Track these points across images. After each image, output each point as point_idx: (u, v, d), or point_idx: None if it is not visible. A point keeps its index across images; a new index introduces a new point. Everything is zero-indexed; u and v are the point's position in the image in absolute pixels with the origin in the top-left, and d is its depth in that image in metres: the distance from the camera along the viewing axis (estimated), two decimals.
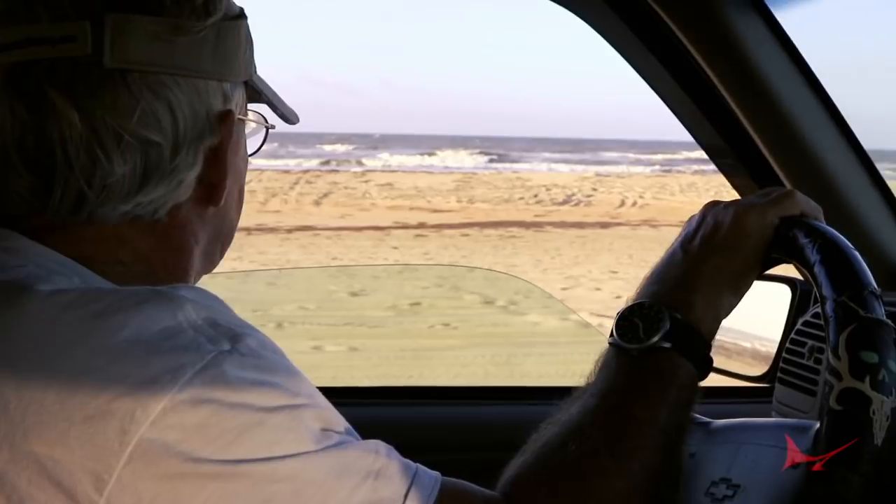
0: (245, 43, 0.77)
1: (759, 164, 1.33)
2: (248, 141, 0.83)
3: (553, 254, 12.73)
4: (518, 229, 15.47)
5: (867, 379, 0.71)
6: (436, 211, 18.22)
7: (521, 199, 21.02)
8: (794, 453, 0.77)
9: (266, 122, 0.85)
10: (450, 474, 0.72)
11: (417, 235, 14.29)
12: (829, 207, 0.89)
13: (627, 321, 0.81)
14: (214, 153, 0.74)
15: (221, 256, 0.83)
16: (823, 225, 0.83)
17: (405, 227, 15.20)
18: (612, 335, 0.81)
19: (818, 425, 0.75)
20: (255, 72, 0.81)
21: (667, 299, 0.81)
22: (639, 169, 35.20)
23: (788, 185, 1.31)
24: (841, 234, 0.81)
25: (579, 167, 34.71)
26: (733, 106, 1.28)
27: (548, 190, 22.94)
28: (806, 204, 0.86)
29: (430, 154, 41.58)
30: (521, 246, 13.57)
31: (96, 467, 0.59)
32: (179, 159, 0.72)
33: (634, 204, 20.53)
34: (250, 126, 0.83)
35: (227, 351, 0.64)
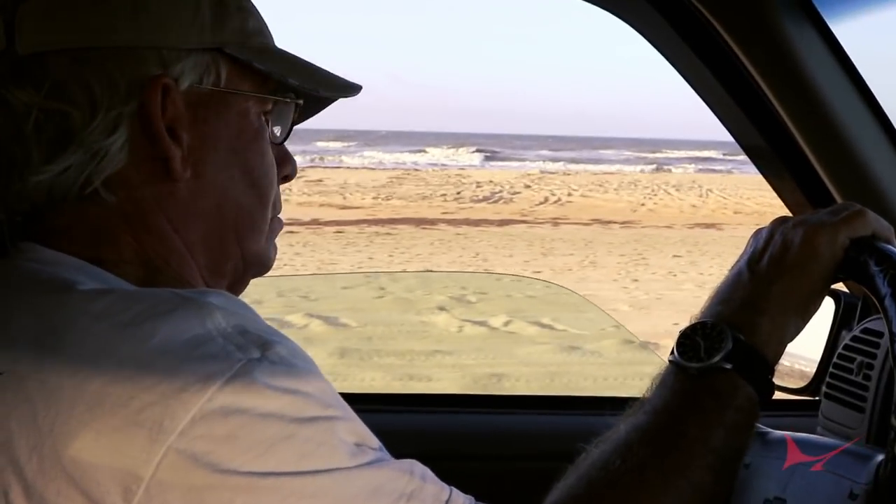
0: (201, 7, 0.76)
1: (811, 177, 1.30)
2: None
3: (403, 250, 12.88)
4: (407, 227, 15.65)
5: None
6: (343, 208, 18.54)
7: (444, 196, 21.39)
8: (852, 483, 0.76)
9: (273, 94, 0.81)
10: (485, 484, 0.71)
11: (289, 232, 14.45)
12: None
13: (689, 339, 0.79)
14: (145, 122, 0.73)
15: (244, 250, 0.80)
16: None
17: (297, 223, 15.36)
18: (672, 353, 0.80)
19: (880, 458, 0.73)
20: (249, 39, 0.78)
21: (731, 319, 0.79)
22: (628, 168, 36.11)
23: (839, 200, 1.29)
24: None
25: (558, 164, 36.49)
26: (784, 117, 1.25)
27: (479, 187, 23.50)
28: (877, 223, 0.83)
29: (421, 151, 42.73)
30: (380, 243, 13.75)
31: (125, 478, 0.59)
32: (94, 128, 0.71)
33: (557, 201, 20.83)
34: (248, 103, 0.79)
35: (256, 359, 0.63)
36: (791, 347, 1.32)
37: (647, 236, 15.24)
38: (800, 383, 1.37)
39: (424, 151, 43.22)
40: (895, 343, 0.74)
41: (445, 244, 13.78)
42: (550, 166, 35.94)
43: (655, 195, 22.87)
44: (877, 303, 0.77)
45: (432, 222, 16.50)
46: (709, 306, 0.83)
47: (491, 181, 25.33)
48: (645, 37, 1.31)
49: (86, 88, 0.71)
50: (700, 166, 38.79)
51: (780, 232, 0.83)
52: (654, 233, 15.84)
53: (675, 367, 0.79)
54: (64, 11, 0.73)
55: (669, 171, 35.37)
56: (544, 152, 46.50)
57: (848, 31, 1.22)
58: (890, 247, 0.81)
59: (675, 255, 12.90)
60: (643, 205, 20.49)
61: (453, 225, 16.25)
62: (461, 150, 45.52)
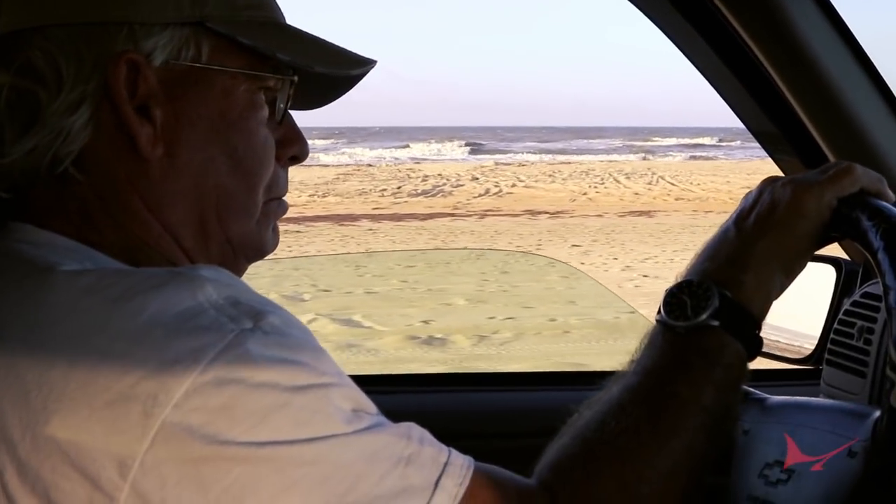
0: None
1: (807, 142, 1.30)
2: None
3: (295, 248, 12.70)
4: (326, 224, 15.55)
5: None
6: None
7: (383, 191, 21.48)
8: (851, 440, 0.76)
9: (264, 71, 0.77)
10: (485, 461, 0.70)
11: None
12: None
13: (675, 298, 0.79)
14: (111, 100, 0.71)
15: (227, 232, 0.78)
16: (888, 206, 0.80)
17: None
18: (659, 312, 0.80)
19: (877, 414, 0.74)
20: (239, 12, 0.76)
21: (717, 277, 0.79)
22: (616, 156, 37.65)
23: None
24: None
25: (539, 156, 37.90)
26: (779, 83, 1.25)
27: (424, 181, 23.64)
28: (866, 177, 0.83)
29: (403, 147, 43.61)
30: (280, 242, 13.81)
31: (120, 452, 0.59)
32: (57, 106, 0.70)
33: (498, 193, 20.91)
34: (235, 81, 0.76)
35: (249, 329, 0.63)
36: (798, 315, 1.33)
37: (567, 226, 15.09)
38: (806, 353, 1.38)
39: (408, 147, 44.03)
40: (889, 295, 0.74)
41: (344, 240, 13.69)
42: (532, 157, 37.26)
43: (603, 183, 22.98)
44: (870, 257, 0.77)
45: (354, 219, 16.40)
46: (695, 264, 0.83)
47: (440, 174, 25.53)
48: (644, 13, 1.30)
49: (54, 67, 0.70)
50: (691, 153, 40.14)
51: (769, 191, 0.83)
52: (577, 222, 15.71)
53: (663, 327, 0.79)
54: None
55: (651, 158, 36.80)
56: (531, 143, 47.88)
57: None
58: (880, 201, 0.81)
59: (573, 245, 12.73)
60: (585, 194, 20.47)
61: (375, 220, 16.14)
62: (449, 143, 46.42)
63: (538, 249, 12.47)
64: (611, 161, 34.57)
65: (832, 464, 0.76)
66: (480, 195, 20.61)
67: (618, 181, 23.83)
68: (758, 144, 1.42)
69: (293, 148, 0.83)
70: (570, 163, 32.74)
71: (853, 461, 0.74)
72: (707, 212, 16.79)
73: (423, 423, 0.69)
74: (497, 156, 38.91)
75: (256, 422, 0.60)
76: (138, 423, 0.59)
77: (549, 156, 38.31)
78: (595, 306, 6.84)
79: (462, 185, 22.56)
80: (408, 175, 25.73)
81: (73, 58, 0.70)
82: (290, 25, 0.81)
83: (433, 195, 20.84)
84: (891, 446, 0.69)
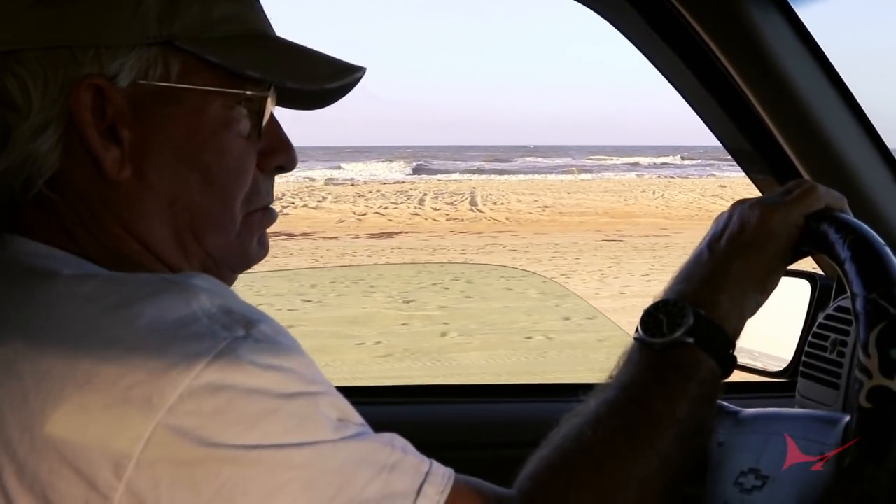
0: (146, 1, 0.73)
1: (782, 163, 1.33)
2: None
3: None
4: None
5: None
6: None
7: None
8: (823, 445, 0.78)
9: (236, 88, 0.76)
10: (465, 472, 0.72)
11: None
12: (852, 203, 0.89)
13: (652, 317, 0.82)
14: (76, 123, 0.72)
15: (206, 247, 0.78)
16: (853, 219, 0.83)
17: None
18: (637, 331, 0.82)
19: (847, 419, 0.76)
20: (211, 28, 0.75)
21: (692, 297, 0.82)
22: (545, 176, 39.88)
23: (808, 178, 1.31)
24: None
25: (472, 175, 39.96)
26: (754, 102, 1.28)
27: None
28: (829, 196, 0.86)
29: (336, 168, 44.70)
30: None
31: (116, 453, 0.60)
32: (23, 131, 0.71)
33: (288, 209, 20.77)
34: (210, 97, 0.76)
35: (241, 337, 0.64)
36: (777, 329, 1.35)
37: (319, 247, 14.49)
38: (782, 366, 1.40)
39: (340, 167, 45.09)
40: (857, 301, 0.76)
41: None
42: (459, 176, 39.33)
43: (423, 203, 22.89)
44: (838, 268, 0.80)
45: None
46: (671, 285, 0.86)
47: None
48: (621, 31, 1.33)
49: (24, 91, 0.71)
50: (633, 172, 42.17)
51: (739, 213, 0.87)
52: (327, 243, 15.04)
53: (640, 343, 0.82)
54: (7, 13, 0.72)
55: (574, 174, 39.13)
56: (475, 163, 49.69)
57: (815, 14, 1.25)
58: (845, 215, 0.84)
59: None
60: (364, 214, 20.03)
61: None
62: (393, 163, 48.45)
63: None
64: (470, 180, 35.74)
65: (804, 469, 0.78)
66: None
67: (435, 200, 24.03)
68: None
69: (279, 157, 0.83)
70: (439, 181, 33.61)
71: (825, 465, 0.76)
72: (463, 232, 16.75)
73: (404, 434, 0.71)
74: (453, 174, 40.70)
75: (248, 426, 0.62)
76: (134, 424, 0.60)
77: (503, 176, 40.00)
78: None
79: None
80: None
81: (40, 82, 0.71)
82: (272, 37, 0.81)
83: None
84: (860, 444, 0.71)
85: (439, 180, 35.98)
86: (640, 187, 30.00)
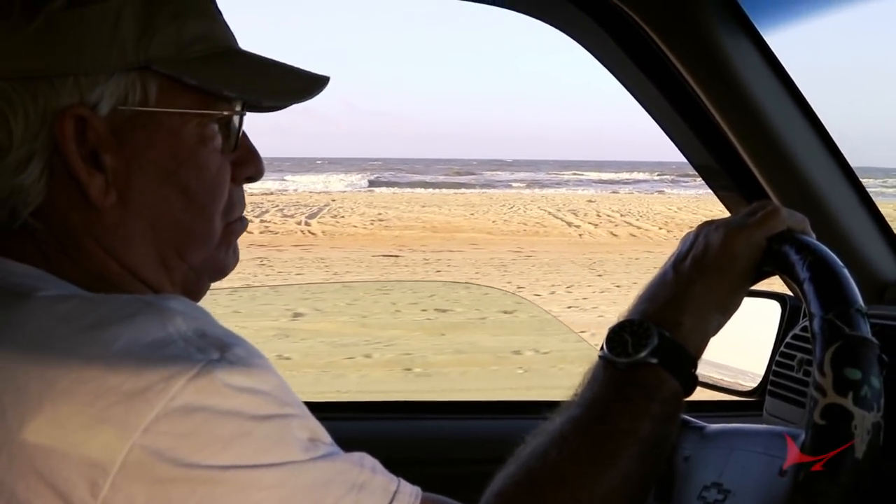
0: (121, 25, 0.73)
1: (748, 181, 1.35)
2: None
3: None
4: None
5: (850, 395, 0.73)
6: None
7: None
8: (783, 461, 0.79)
9: (211, 108, 0.77)
10: (435, 488, 0.73)
11: None
12: (817, 223, 0.90)
13: (617, 336, 0.83)
14: (61, 154, 0.72)
15: (189, 262, 0.79)
16: (813, 241, 0.85)
17: None
18: (602, 349, 0.84)
19: (804, 435, 0.77)
20: (186, 49, 0.75)
21: (656, 318, 0.83)
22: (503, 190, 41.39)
23: (776, 201, 1.33)
24: (829, 248, 0.83)
25: (426, 189, 41.04)
26: (722, 125, 1.30)
27: None
28: (791, 218, 0.88)
29: (282, 180, 45.70)
30: None
31: (91, 473, 0.61)
32: (7, 164, 0.71)
33: None
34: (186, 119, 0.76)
35: (216, 360, 0.65)
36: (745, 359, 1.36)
37: None
38: (752, 386, 1.41)
39: (283, 180, 45.93)
40: (814, 321, 0.78)
41: None
42: (398, 190, 40.73)
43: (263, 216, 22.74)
44: (798, 289, 0.82)
45: None
46: (636, 305, 0.87)
47: None
48: (591, 53, 1.35)
49: (4, 124, 0.71)
50: (564, 188, 43.99)
51: (704, 234, 0.88)
52: None
53: (605, 362, 0.83)
54: None
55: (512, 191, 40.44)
56: (438, 177, 51.13)
57: (781, 39, 1.28)
58: (806, 237, 0.86)
59: None
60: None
61: None
62: (351, 176, 49.96)
63: None
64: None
65: (764, 483, 0.79)
66: None
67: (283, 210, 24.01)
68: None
69: (249, 168, 0.84)
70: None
71: (783, 479, 0.77)
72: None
73: (371, 450, 0.72)
74: (406, 188, 41.78)
75: (221, 447, 0.63)
76: (110, 444, 0.61)
77: (453, 189, 41.27)
78: None
79: None
80: None
81: (20, 114, 0.71)
82: (240, 52, 0.81)
83: None
84: (814, 459, 0.72)
85: (370, 192, 37.16)
86: (516, 203, 30.03)
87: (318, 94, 0.83)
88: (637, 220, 23.19)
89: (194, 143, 0.77)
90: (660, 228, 20.74)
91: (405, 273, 13.14)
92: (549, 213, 25.48)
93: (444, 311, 7.34)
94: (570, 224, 21.90)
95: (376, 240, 17.85)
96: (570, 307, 9.88)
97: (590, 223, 22.09)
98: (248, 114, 0.82)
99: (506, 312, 7.20)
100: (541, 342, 6.28)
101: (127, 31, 0.73)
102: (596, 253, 15.65)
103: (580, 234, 19.59)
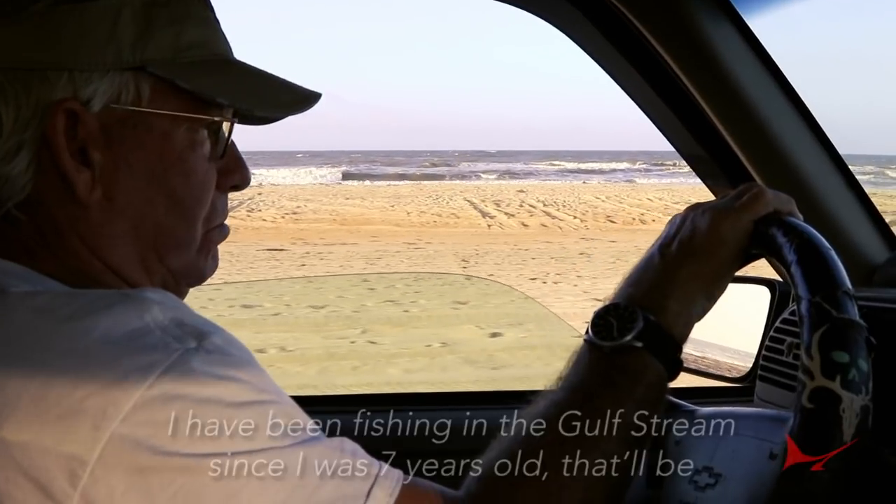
0: (119, 25, 0.73)
1: (735, 167, 1.35)
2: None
3: None
4: None
5: (838, 378, 0.72)
6: None
7: None
8: (773, 444, 0.79)
9: (203, 113, 0.78)
10: (430, 479, 0.73)
11: None
12: (804, 207, 0.90)
13: (602, 320, 0.82)
14: (49, 147, 0.72)
15: (168, 266, 0.80)
16: (801, 223, 0.84)
17: None
18: (587, 333, 0.83)
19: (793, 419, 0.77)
20: (182, 54, 0.76)
21: (642, 301, 0.83)
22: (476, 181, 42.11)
23: (761, 182, 1.33)
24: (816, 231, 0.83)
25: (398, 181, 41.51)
26: (707, 111, 1.30)
27: None
28: (777, 200, 0.87)
29: (253, 174, 46.94)
30: None
31: (70, 463, 0.61)
32: None
33: None
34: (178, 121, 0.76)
35: (193, 348, 0.65)
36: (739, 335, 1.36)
37: None
38: (743, 372, 1.42)
39: (253, 174, 46.79)
40: (801, 304, 0.77)
41: None
42: (378, 182, 41.29)
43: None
44: (785, 271, 0.81)
45: None
46: (622, 288, 0.86)
47: None
48: (576, 41, 1.35)
49: None
50: (557, 180, 44.17)
51: (691, 218, 0.87)
52: None
53: (590, 346, 0.82)
54: None
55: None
56: (405, 171, 51.37)
57: (765, 24, 1.27)
58: (794, 219, 0.85)
59: None
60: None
61: None
62: (322, 168, 50.50)
63: None
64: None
65: (754, 466, 0.79)
66: None
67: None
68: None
69: (234, 177, 0.84)
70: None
71: (773, 462, 0.77)
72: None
73: (356, 441, 0.72)
74: (378, 181, 42.14)
75: (200, 435, 0.63)
76: (88, 435, 0.61)
77: (427, 181, 42.10)
78: None
79: None
80: None
81: (12, 105, 0.71)
82: (235, 61, 0.82)
83: None
84: (800, 441, 0.72)
85: (339, 185, 37.47)
86: (444, 194, 29.91)
87: (309, 108, 0.83)
88: (558, 210, 23.11)
89: (184, 148, 0.77)
90: (575, 218, 20.62)
91: (273, 267, 12.59)
92: (472, 203, 25.46)
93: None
94: (485, 215, 21.81)
95: (279, 233, 17.65)
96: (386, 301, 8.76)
97: (506, 213, 22.07)
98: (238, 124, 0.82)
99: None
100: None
101: (125, 30, 0.74)
102: (492, 244, 15.44)
103: (489, 225, 19.49)
